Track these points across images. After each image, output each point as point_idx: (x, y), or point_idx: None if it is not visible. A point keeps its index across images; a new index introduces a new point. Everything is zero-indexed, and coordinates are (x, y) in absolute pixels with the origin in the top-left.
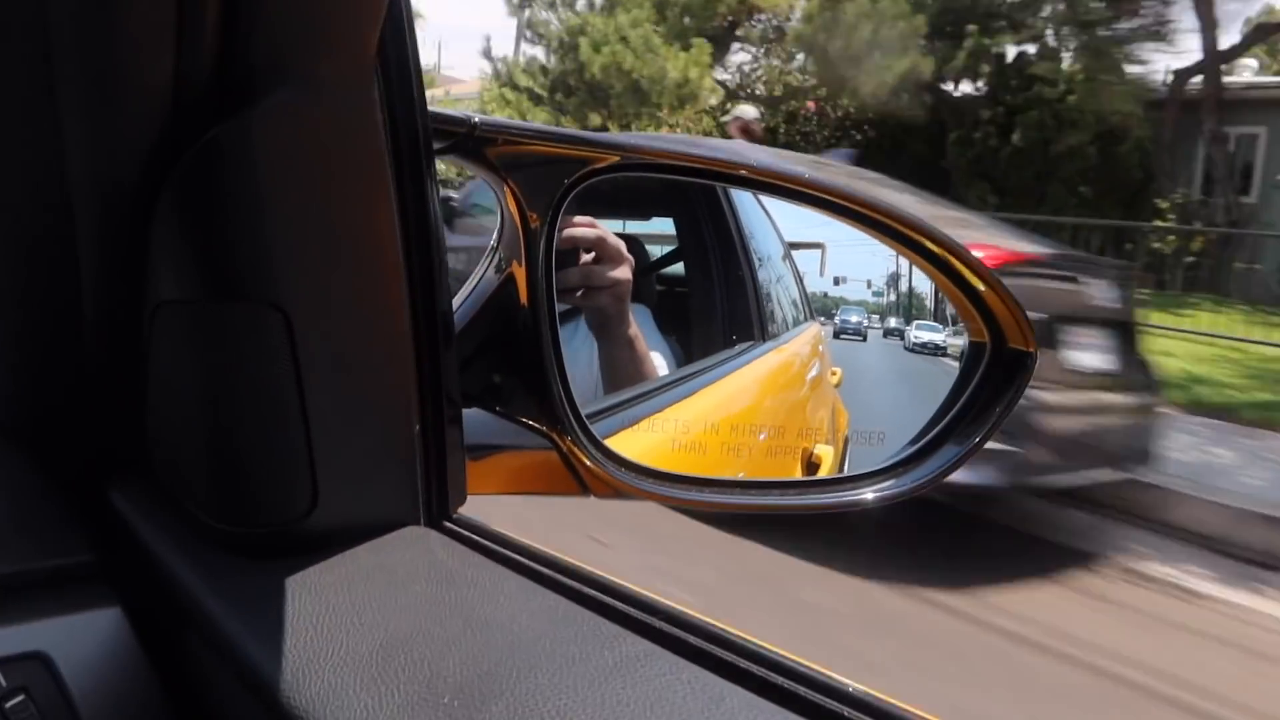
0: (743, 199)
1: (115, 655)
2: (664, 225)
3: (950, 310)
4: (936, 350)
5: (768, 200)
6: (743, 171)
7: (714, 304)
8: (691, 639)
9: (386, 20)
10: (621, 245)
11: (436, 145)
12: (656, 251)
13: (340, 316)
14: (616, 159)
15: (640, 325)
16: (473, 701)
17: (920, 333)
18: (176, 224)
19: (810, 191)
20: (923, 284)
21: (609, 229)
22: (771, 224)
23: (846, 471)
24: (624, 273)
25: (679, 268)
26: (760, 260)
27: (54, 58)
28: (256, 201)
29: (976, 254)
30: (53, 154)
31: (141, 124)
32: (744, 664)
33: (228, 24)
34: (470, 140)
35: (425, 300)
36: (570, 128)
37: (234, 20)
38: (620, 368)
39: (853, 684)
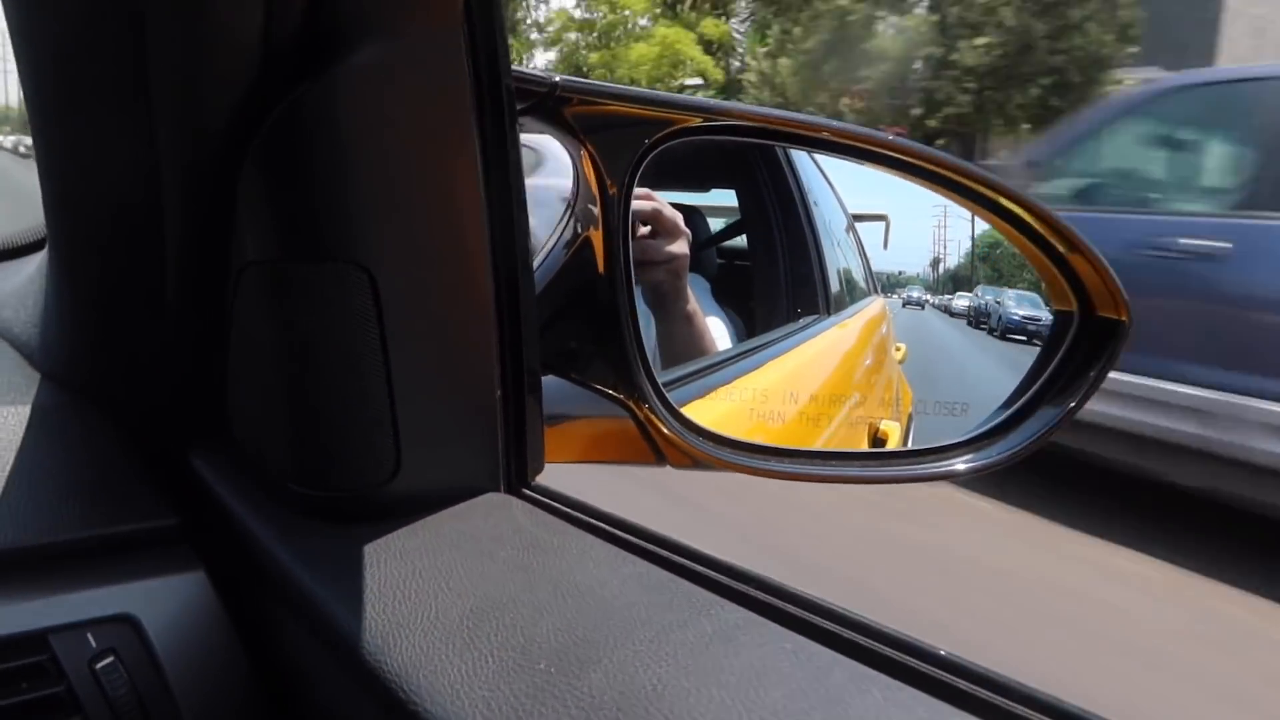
0: (806, 170)
1: (199, 617)
2: (726, 197)
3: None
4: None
5: (833, 170)
6: (825, 134)
7: (778, 276)
8: (791, 608)
9: None
10: (679, 218)
11: (518, 106)
12: (717, 224)
13: (425, 278)
14: (698, 120)
15: (698, 298)
16: (570, 668)
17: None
18: (262, 184)
19: (892, 154)
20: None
21: (666, 201)
22: (835, 195)
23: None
24: (681, 247)
25: (741, 240)
26: (824, 231)
27: (146, 17)
28: (342, 161)
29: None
30: (142, 114)
31: (230, 83)
32: (848, 634)
33: None
34: (550, 100)
35: (508, 265)
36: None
37: None
38: (678, 343)
39: (957, 654)
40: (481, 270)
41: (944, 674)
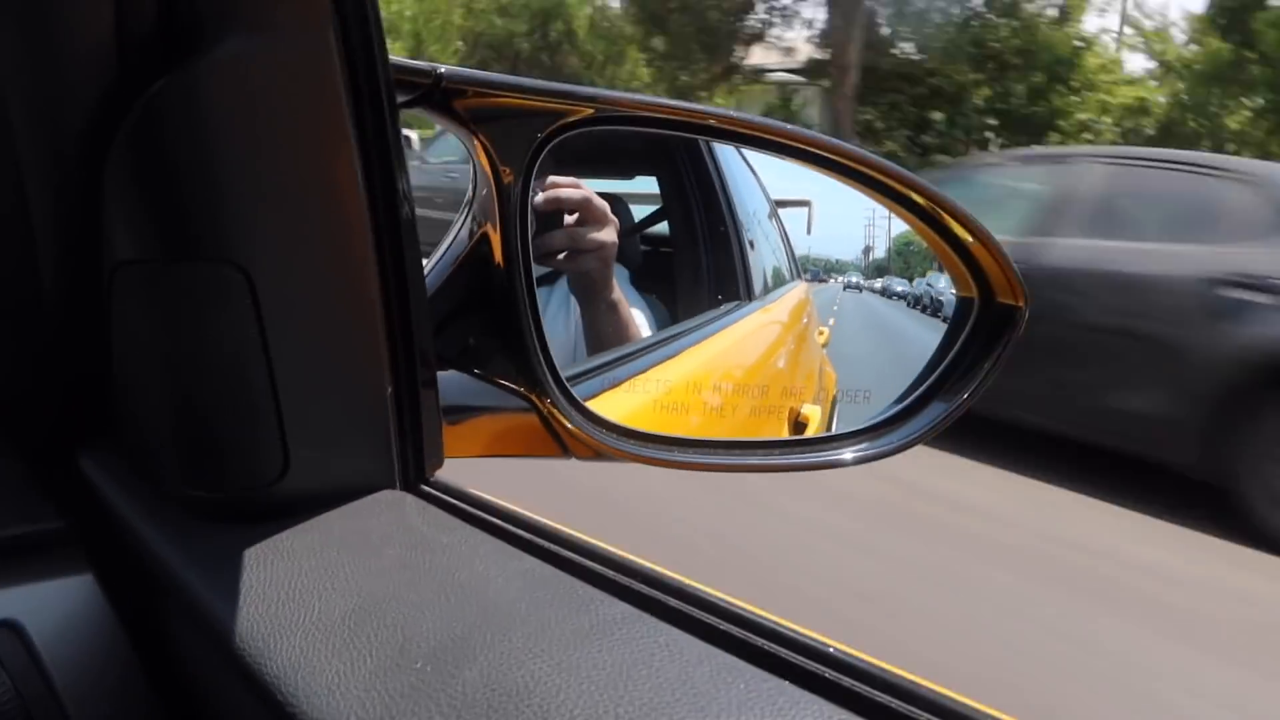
0: (728, 157)
1: (88, 621)
2: (648, 184)
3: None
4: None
5: (754, 157)
6: (712, 121)
7: (699, 263)
8: (671, 601)
9: None
10: (606, 207)
11: (401, 98)
12: (641, 212)
13: (304, 275)
14: (590, 112)
15: (620, 286)
16: (445, 667)
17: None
18: (128, 182)
19: (790, 143)
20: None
21: (592, 189)
22: (758, 182)
23: (834, 430)
24: (609, 235)
25: (663, 227)
26: (746, 218)
27: None
28: (208, 157)
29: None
30: None
31: (85, 79)
32: (724, 625)
33: None
34: (436, 92)
35: (394, 258)
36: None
37: None
38: (603, 331)
39: (833, 644)
40: (365, 265)
41: (811, 663)
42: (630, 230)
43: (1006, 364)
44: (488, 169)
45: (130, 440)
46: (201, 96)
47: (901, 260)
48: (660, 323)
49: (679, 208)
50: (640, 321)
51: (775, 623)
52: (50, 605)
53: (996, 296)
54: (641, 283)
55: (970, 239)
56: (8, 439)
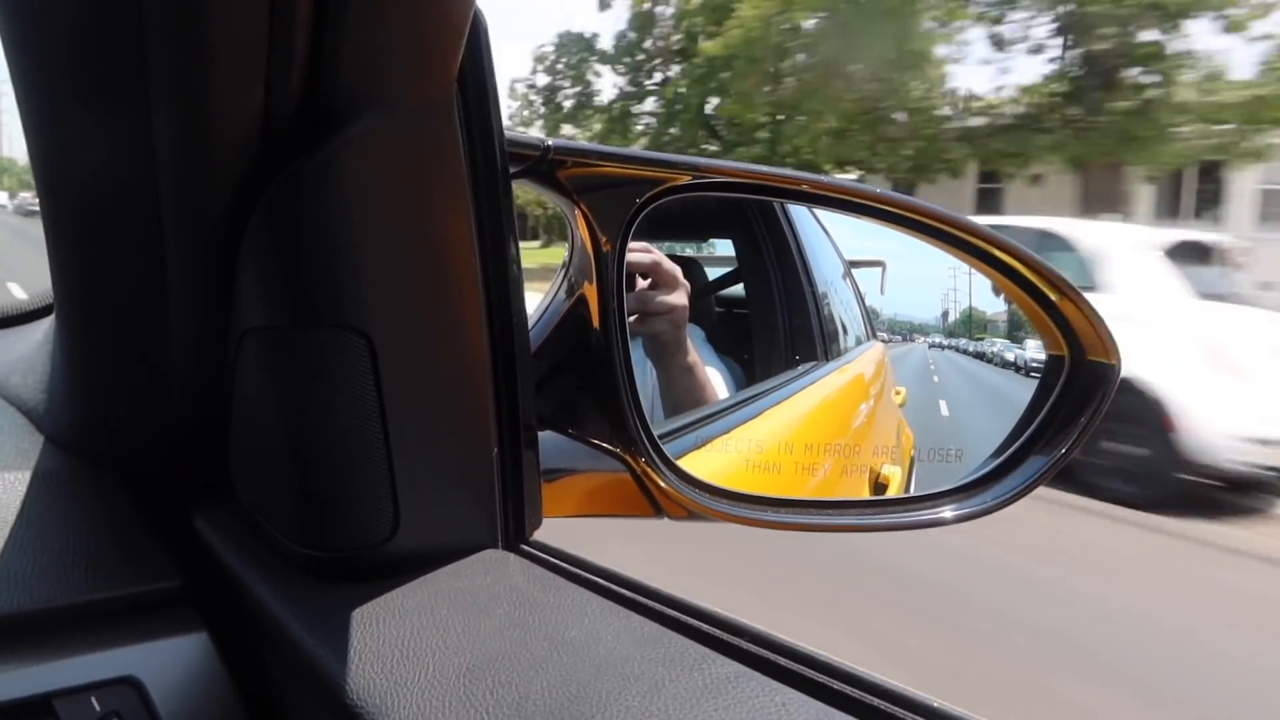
0: (802, 219)
1: (202, 679)
2: (723, 248)
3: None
4: None
5: (827, 218)
6: (804, 186)
7: (776, 324)
8: (782, 660)
9: (465, 47)
10: (677, 270)
11: (511, 169)
12: (715, 273)
13: (421, 340)
14: (688, 178)
15: (696, 348)
16: None
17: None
18: (262, 253)
19: (877, 205)
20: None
21: (664, 254)
22: (831, 242)
23: (913, 491)
24: (680, 298)
25: (739, 288)
26: (821, 279)
27: (150, 93)
28: (338, 228)
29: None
30: (146, 185)
31: (230, 156)
32: (837, 685)
33: (313, 57)
34: (543, 164)
35: (503, 324)
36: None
37: (319, 52)
38: (679, 392)
39: (955, 707)
40: (477, 330)
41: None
42: (704, 291)
43: (1102, 420)
44: (586, 236)
45: (245, 499)
46: (335, 172)
47: (980, 320)
48: (737, 383)
49: (755, 268)
50: (718, 381)
51: (893, 684)
52: (167, 663)
53: (1087, 354)
54: (718, 343)
55: (1057, 296)
56: (129, 499)
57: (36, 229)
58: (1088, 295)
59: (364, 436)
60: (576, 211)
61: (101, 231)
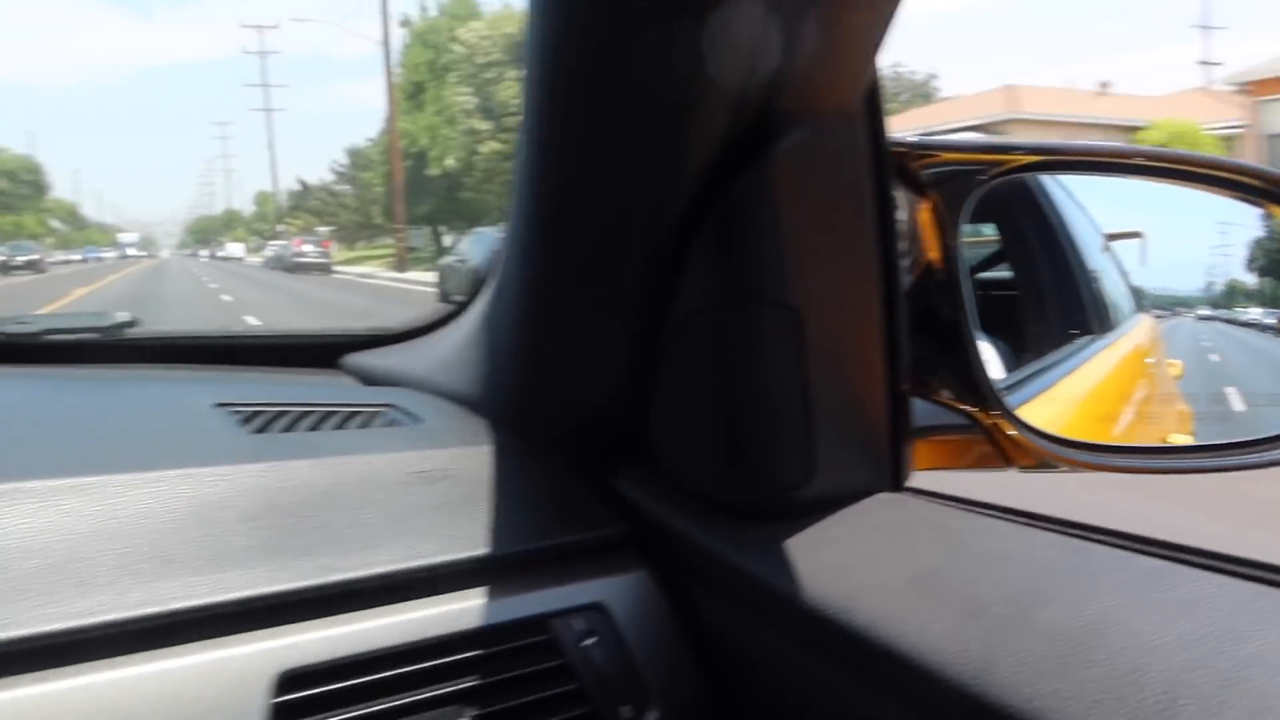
0: (1058, 195)
1: (650, 607)
2: (987, 231)
3: None
4: None
5: (1082, 193)
6: (1139, 159)
7: (1043, 300)
8: (1199, 559)
9: None
10: None
11: None
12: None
13: (835, 313)
14: (1026, 160)
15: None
16: (1022, 609)
17: None
18: (715, 248)
19: (1210, 172)
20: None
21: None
22: (1088, 217)
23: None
24: None
25: (994, 273)
26: (1086, 253)
27: (636, 121)
28: (776, 224)
29: None
30: (625, 203)
31: (693, 171)
32: (1261, 574)
33: (770, 84)
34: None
35: (891, 297)
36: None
37: (771, 79)
38: None
39: None
40: (874, 305)
41: None
42: (972, 271)
43: None
44: (933, 219)
45: (669, 461)
46: (769, 180)
47: (1241, 290)
48: (1008, 363)
49: (1019, 249)
50: (993, 359)
51: None
52: (622, 594)
53: None
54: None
55: None
56: (568, 465)
57: (306, 285)
58: None
59: (788, 396)
60: (921, 201)
61: (583, 244)
